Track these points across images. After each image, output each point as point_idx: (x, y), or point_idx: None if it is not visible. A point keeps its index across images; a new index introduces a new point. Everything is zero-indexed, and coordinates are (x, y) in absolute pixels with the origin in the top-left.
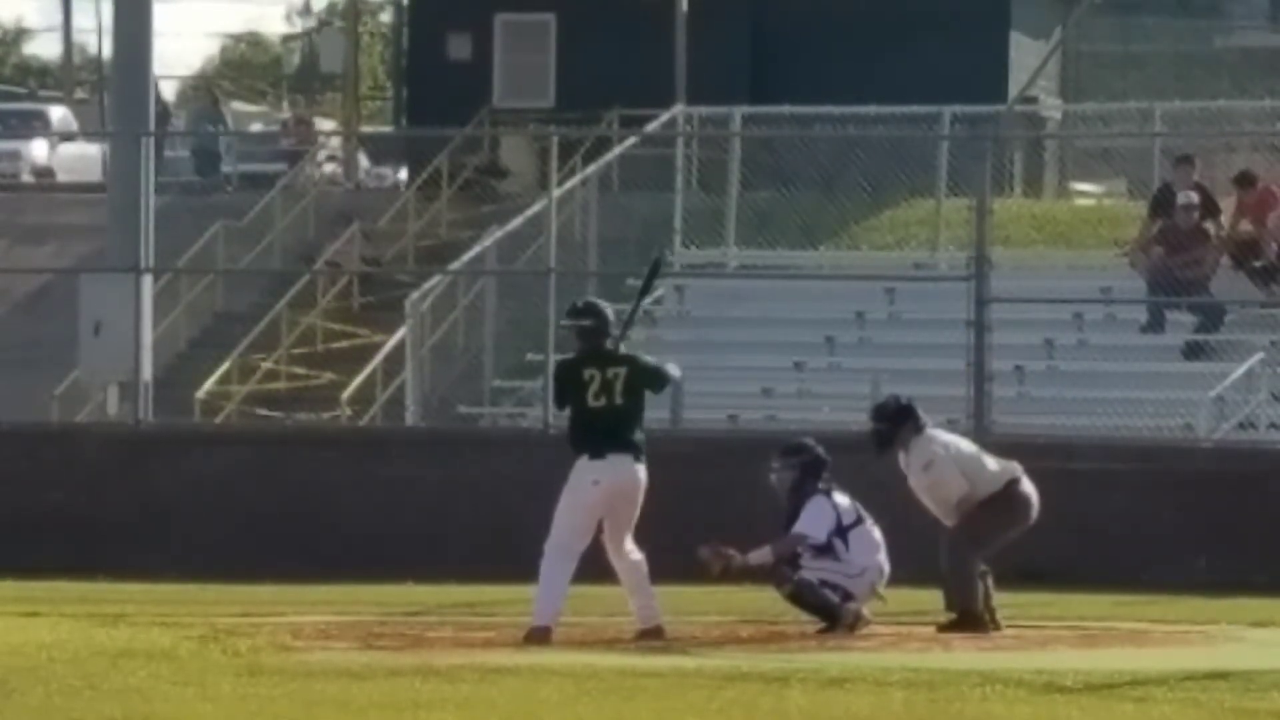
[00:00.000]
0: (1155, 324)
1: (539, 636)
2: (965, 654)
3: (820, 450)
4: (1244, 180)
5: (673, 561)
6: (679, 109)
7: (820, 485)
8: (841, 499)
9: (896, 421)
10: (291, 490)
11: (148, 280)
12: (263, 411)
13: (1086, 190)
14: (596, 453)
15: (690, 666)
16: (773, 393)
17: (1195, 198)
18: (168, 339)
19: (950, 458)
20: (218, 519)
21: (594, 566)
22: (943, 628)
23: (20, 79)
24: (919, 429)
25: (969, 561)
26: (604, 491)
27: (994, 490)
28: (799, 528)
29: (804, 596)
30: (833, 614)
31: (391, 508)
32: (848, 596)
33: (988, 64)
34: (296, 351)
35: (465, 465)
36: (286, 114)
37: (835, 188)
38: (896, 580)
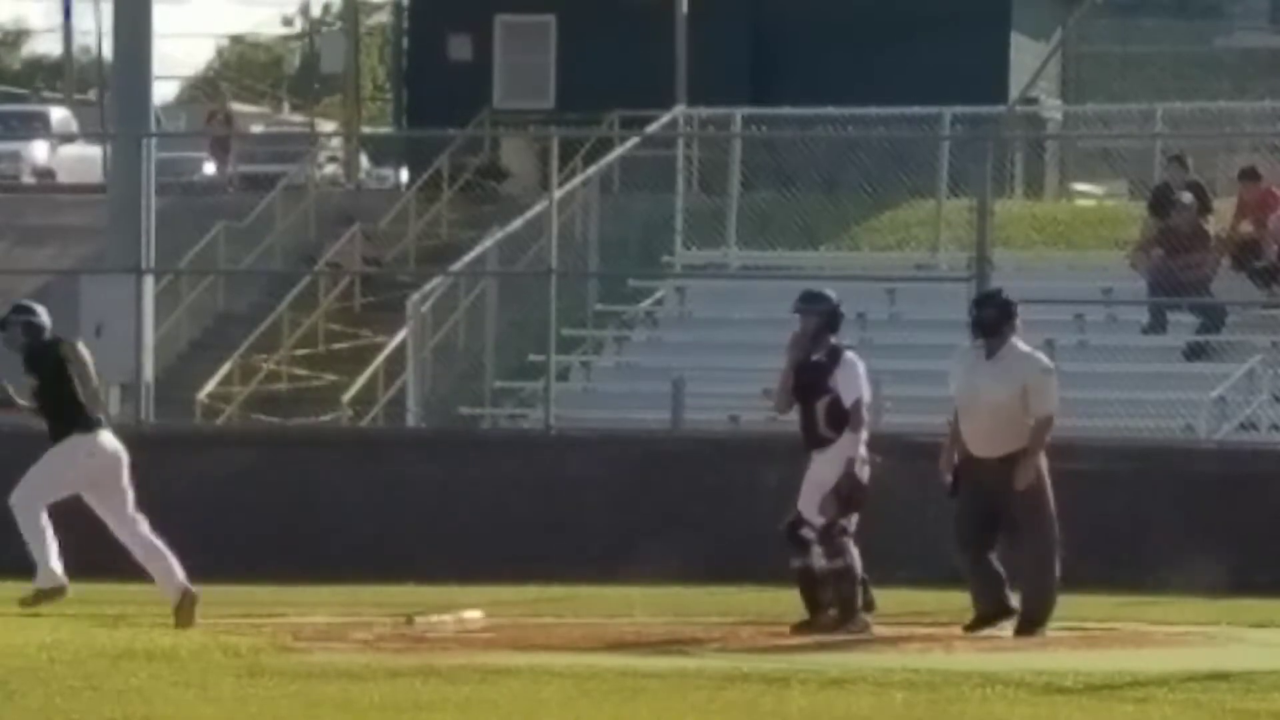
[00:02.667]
0: (1156, 325)
1: (57, 595)
2: (966, 655)
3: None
4: (1248, 174)
5: (673, 561)
6: (679, 110)
7: (846, 344)
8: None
9: (1007, 313)
10: (293, 491)
11: (149, 281)
12: (263, 416)
13: (1087, 191)
14: (90, 427)
15: (691, 667)
16: (774, 394)
17: (1191, 198)
18: (169, 340)
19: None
20: (218, 520)
21: (594, 569)
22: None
23: (28, 79)
24: (1014, 331)
25: (1055, 571)
26: (97, 467)
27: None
28: (853, 395)
29: (839, 582)
30: (849, 611)
31: (392, 508)
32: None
33: (988, 64)
34: (298, 353)
35: (466, 466)
36: (285, 113)
37: (836, 188)
38: (896, 582)
